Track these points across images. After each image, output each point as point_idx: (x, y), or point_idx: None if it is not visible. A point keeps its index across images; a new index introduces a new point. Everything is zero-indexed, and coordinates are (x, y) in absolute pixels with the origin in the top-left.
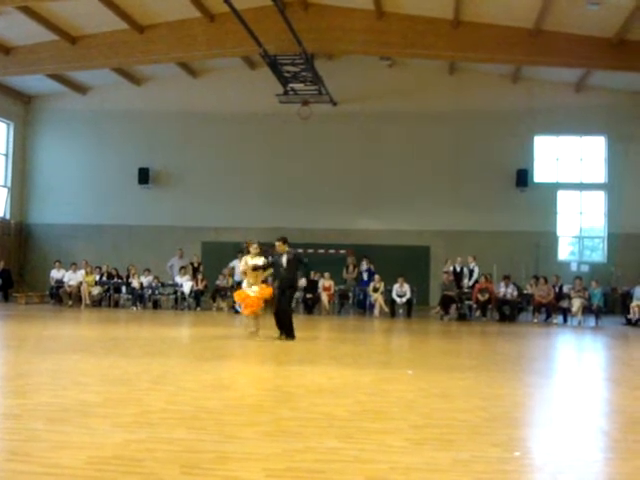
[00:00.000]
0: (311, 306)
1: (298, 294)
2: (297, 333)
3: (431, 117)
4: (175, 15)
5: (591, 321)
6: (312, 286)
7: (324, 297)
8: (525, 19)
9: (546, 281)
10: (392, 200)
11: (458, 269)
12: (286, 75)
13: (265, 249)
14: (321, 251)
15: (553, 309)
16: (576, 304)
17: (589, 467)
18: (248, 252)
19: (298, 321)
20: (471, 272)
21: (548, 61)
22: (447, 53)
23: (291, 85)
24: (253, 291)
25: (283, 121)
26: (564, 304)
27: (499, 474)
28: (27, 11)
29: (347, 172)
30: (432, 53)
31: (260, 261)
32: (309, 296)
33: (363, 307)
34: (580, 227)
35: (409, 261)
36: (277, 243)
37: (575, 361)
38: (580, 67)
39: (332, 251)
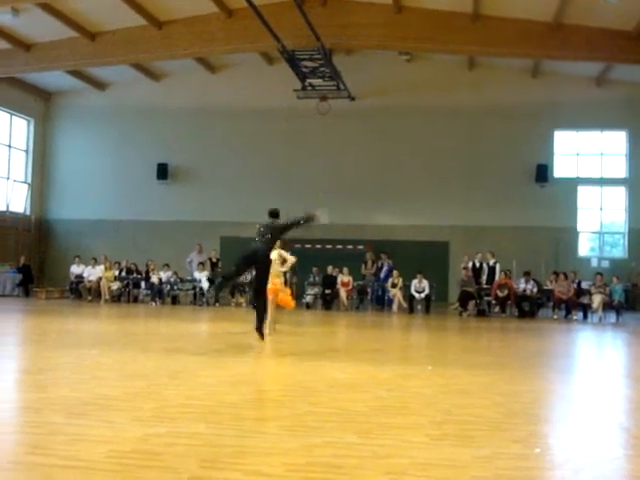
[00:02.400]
0: (329, 302)
1: (317, 289)
2: (316, 328)
3: (450, 112)
4: (193, 11)
5: (612, 317)
6: (330, 282)
7: (342, 293)
8: (545, 13)
9: (566, 277)
10: (411, 195)
11: (477, 265)
12: (304, 70)
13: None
14: (339, 247)
15: (573, 305)
16: (597, 300)
17: (610, 464)
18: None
19: (316, 316)
20: (492, 268)
21: (568, 55)
22: (466, 48)
23: (309, 80)
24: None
25: (301, 116)
26: (584, 300)
27: (519, 470)
28: (47, 8)
29: (365, 167)
30: (451, 48)
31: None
32: (327, 292)
33: (382, 303)
34: (600, 223)
35: (428, 257)
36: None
37: (596, 358)
38: (601, 61)
39: (350, 247)
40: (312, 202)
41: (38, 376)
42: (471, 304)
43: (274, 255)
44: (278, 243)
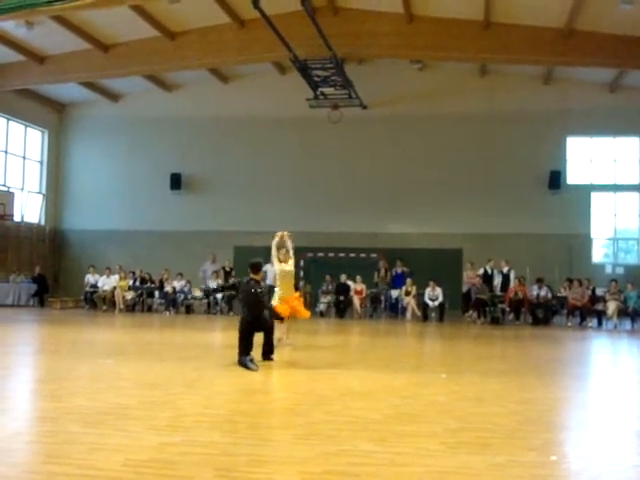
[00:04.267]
0: (343, 310)
1: (330, 298)
2: (329, 337)
3: (462, 120)
4: (206, 21)
5: (627, 324)
6: (343, 290)
7: (356, 301)
8: (557, 19)
9: (581, 284)
10: (423, 203)
11: (490, 272)
12: (316, 79)
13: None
14: (352, 255)
15: (588, 312)
16: (611, 307)
17: (627, 472)
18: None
19: (330, 325)
20: (506, 276)
21: (581, 61)
22: (478, 55)
23: (321, 89)
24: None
25: (313, 125)
26: (599, 307)
27: (535, 478)
28: (61, 20)
29: (378, 175)
30: (463, 55)
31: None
32: (341, 299)
33: (395, 311)
34: (614, 229)
35: (441, 264)
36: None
37: (611, 365)
38: (613, 67)
39: (363, 255)
40: (325, 210)
41: (54, 386)
42: (474, 314)
43: (276, 268)
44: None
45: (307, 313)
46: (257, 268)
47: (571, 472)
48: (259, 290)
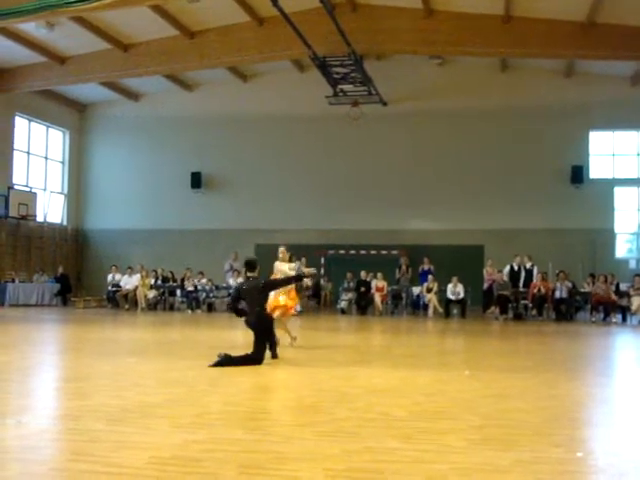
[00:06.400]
0: (364, 307)
1: (351, 295)
2: (351, 334)
3: (483, 115)
4: (224, 20)
5: None
6: (365, 287)
7: (377, 298)
8: (577, 12)
9: (605, 279)
10: (444, 199)
11: (516, 268)
12: (335, 76)
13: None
14: (373, 252)
15: (612, 308)
16: (635, 302)
17: None
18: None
19: (351, 322)
20: (529, 272)
21: (602, 54)
22: (498, 50)
23: (341, 86)
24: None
25: (333, 123)
26: (623, 302)
27: (561, 475)
28: (80, 21)
29: (398, 172)
30: (483, 50)
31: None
32: (363, 294)
33: (417, 308)
34: (638, 223)
35: (462, 261)
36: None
37: (636, 360)
38: (635, 60)
39: (384, 252)
40: (345, 207)
41: (78, 384)
42: (497, 310)
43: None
44: (286, 257)
45: (290, 309)
46: (250, 266)
47: (597, 469)
48: (244, 287)
